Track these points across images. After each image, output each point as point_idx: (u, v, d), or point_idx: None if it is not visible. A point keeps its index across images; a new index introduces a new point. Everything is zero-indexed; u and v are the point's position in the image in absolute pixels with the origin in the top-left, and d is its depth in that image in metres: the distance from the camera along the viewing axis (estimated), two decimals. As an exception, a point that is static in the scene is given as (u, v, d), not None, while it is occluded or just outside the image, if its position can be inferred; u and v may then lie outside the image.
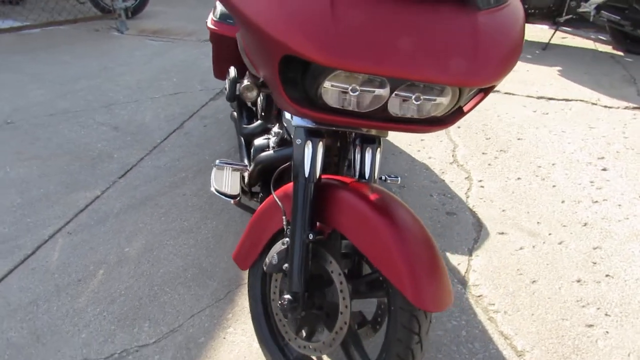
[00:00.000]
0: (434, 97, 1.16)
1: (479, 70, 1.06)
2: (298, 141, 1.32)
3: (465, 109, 1.27)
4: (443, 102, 1.18)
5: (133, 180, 2.50)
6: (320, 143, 1.32)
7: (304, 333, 1.43)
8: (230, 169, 1.79)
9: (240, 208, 1.85)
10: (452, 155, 2.73)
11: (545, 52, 4.48)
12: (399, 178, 1.87)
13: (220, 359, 1.60)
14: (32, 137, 2.89)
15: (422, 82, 1.08)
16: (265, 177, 1.83)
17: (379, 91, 1.12)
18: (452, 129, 3.03)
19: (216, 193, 1.81)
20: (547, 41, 4.59)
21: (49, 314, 1.75)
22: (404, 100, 1.16)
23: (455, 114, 1.28)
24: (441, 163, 2.66)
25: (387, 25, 1.05)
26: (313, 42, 1.01)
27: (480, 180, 2.52)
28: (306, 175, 1.32)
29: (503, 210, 2.30)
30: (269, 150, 1.86)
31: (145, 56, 4.27)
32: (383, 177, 1.89)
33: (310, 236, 1.31)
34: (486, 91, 1.23)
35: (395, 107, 1.17)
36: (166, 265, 1.96)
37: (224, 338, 1.67)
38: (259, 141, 1.88)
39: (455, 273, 1.94)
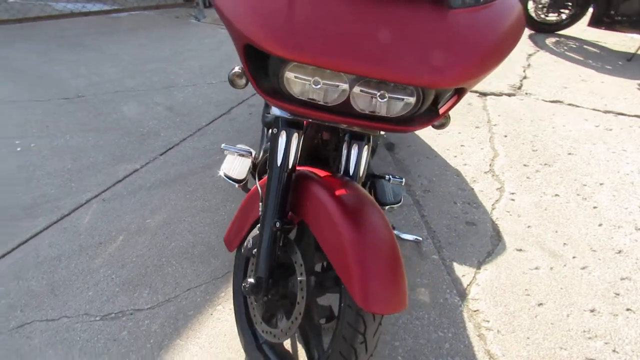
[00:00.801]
0: (400, 96, 1.14)
1: (436, 72, 1.03)
2: (274, 130, 1.34)
3: (440, 111, 1.23)
4: (411, 102, 1.16)
5: (171, 159, 2.65)
6: (296, 134, 1.33)
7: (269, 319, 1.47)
8: (236, 154, 1.86)
9: (245, 192, 1.91)
10: (490, 165, 2.61)
11: (629, 64, 4.11)
12: (404, 180, 1.84)
13: (202, 333, 1.67)
14: (96, 111, 3.15)
15: (374, 79, 1.07)
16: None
17: (341, 85, 1.12)
18: (498, 137, 2.89)
19: (223, 177, 1.88)
20: (633, 51, 4.20)
21: (67, 270, 1.93)
22: (372, 98, 1.15)
23: (429, 116, 1.24)
24: (475, 171, 2.56)
25: (346, 20, 1.04)
26: (266, 32, 1.04)
27: (513, 193, 2.39)
28: (278, 164, 1.34)
29: (528, 227, 2.17)
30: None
31: (213, 44, 4.48)
32: (387, 177, 1.87)
33: (278, 224, 1.34)
34: (459, 93, 1.18)
35: (361, 104, 1.17)
36: (178, 240, 2.08)
37: (212, 314, 1.75)
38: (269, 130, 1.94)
39: (457, 284, 1.88)
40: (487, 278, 1.90)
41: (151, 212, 2.24)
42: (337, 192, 1.31)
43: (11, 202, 2.29)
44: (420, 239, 2.06)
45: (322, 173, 1.42)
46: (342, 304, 1.26)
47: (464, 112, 3.11)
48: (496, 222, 2.20)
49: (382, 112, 1.20)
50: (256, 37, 1.05)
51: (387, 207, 1.89)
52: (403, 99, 1.16)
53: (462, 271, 1.93)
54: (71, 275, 1.90)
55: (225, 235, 1.61)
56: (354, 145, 1.46)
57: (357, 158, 1.47)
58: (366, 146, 1.47)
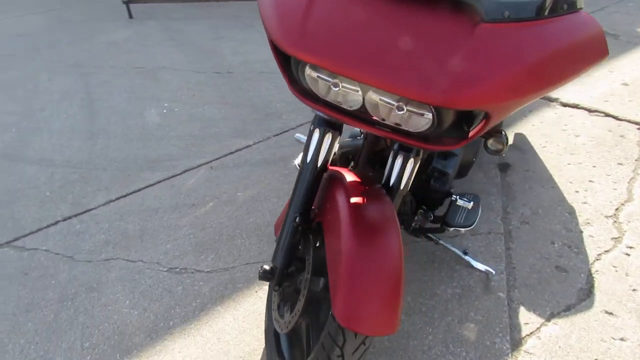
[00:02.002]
0: (419, 111, 1.06)
1: (439, 90, 0.94)
2: (311, 127, 1.35)
3: (470, 134, 1.11)
4: (430, 118, 1.07)
5: (282, 141, 2.80)
6: (330, 134, 1.32)
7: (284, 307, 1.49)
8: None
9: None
10: (616, 209, 2.23)
11: None
12: (472, 203, 1.69)
13: (242, 307, 1.77)
14: (237, 87, 3.46)
15: (375, 87, 1.01)
16: (343, 160, 1.88)
17: (354, 90, 1.09)
18: (642, 179, 2.44)
19: (297, 166, 1.94)
20: None
21: (159, 222, 2.19)
22: (390, 109, 1.10)
23: (457, 137, 1.13)
24: (594, 212, 2.21)
25: (359, 24, 1.01)
26: (280, 30, 1.06)
27: (631, 247, 2.01)
28: (307, 160, 1.35)
29: (633, 290, 1.82)
30: (359, 137, 1.91)
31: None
32: (454, 197, 1.74)
33: (298, 219, 1.36)
34: (487, 118, 1.05)
35: (377, 113, 1.12)
36: (257, 217, 2.21)
37: (256, 292, 1.84)
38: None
39: (514, 330, 1.67)
40: (553, 334, 1.66)
41: (244, 187, 2.41)
42: (357, 200, 1.28)
43: (141, 155, 2.67)
44: (493, 271, 1.87)
45: (357, 178, 1.38)
46: (330, 312, 1.23)
47: (610, 144, 2.68)
48: (594, 275, 1.88)
49: (404, 125, 1.13)
50: (273, 34, 1.07)
51: (454, 229, 1.77)
52: (423, 114, 1.08)
53: (526, 318, 1.72)
54: (160, 227, 2.16)
55: (276, 221, 1.68)
56: (400, 156, 1.39)
57: (400, 169, 1.40)
58: (412, 159, 1.39)
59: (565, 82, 1.16)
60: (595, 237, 2.07)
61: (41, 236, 2.12)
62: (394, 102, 1.06)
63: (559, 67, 1.06)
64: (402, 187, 1.41)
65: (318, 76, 1.11)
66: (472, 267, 1.90)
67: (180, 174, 2.52)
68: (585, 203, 2.27)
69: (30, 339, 1.66)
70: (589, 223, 2.14)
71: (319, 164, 1.35)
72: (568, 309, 1.75)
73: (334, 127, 1.33)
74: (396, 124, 1.14)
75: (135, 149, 2.72)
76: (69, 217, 2.22)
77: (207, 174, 2.52)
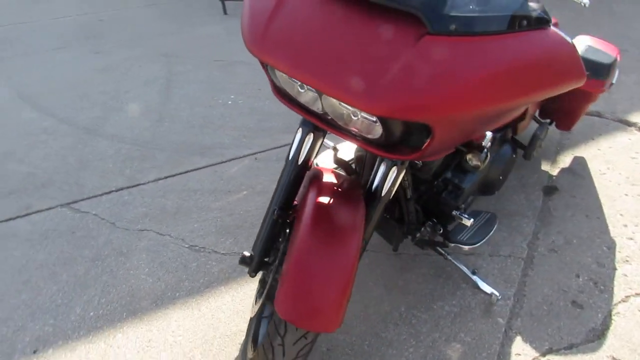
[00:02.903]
0: (370, 118, 1.09)
1: (364, 95, 0.96)
2: (298, 126, 1.41)
3: (424, 146, 1.11)
4: (379, 125, 1.09)
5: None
6: (312, 134, 1.37)
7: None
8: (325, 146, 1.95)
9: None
10: (665, 250, 2.01)
11: None
12: (471, 220, 1.65)
13: (242, 290, 1.88)
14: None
15: (322, 92, 1.05)
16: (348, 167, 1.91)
17: (313, 93, 1.14)
18: None
19: (315, 165, 2.01)
20: None
21: (194, 203, 2.37)
22: (349, 114, 1.13)
23: (412, 149, 1.13)
24: (638, 251, 2.01)
25: (315, 30, 1.06)
26: (247, 32, 1.14)
27: (668, 294, 1.82)
28: (289, 157, 1.41)
29: (654, 339, 1.65)
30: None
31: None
32: (455, 212, 1.70)
33: (276, 212, 1.43)
34: (432, 132, 1.04)
35: (336, 117, 1.15)
36: (282, 209, 2.30)
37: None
38: None
39: (502, 359, 1.60)
40: (544, 369, 1.56)
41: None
42: (325, 200, 1.32)
43: (197, 140, 2.88)
44: (499, 295, 1.80)
45: (336, 180, 1.42)
46: None
47: (685, 179, 2.41)
48: (613, 317, 1.73)
49: (362, 131, 1.16)
50: (242, 34, 1.15)
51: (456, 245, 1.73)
52: (374, 122, 1.10)
53: (520, 349, 1.63)
54: (193, 208, 2.33)
55: None
56: (383, 163, 1.41)
57: (382, 177, 1.42)
58: (396, 167, 1.39)
59: (531, 99, 1.11)
60: (629, 277, 1.89)
61: (95, 202, 2.39)
62: (350, 108, 1.09)
63: (515, 84, 1.03)
64: (383, 194, 1.42)
65: (289, 77, 1.17)
66: (478, 287, 1.84)
67: (226, 161, 2.69)
68: (630, 239, 2.08)
69: (60, 288, 1.90)
70: (627, 261, 1.97)
71: (300, 161, 1.41)
72: (570, 347, 1.64)
73: (317, 128, 1.38)
74: (356, 129, 1.17)
75: (193, 135, 2.94)
76: (121, 189, 2.48)
77: (250, 164, 2.66)
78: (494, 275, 1.92)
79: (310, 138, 1.39)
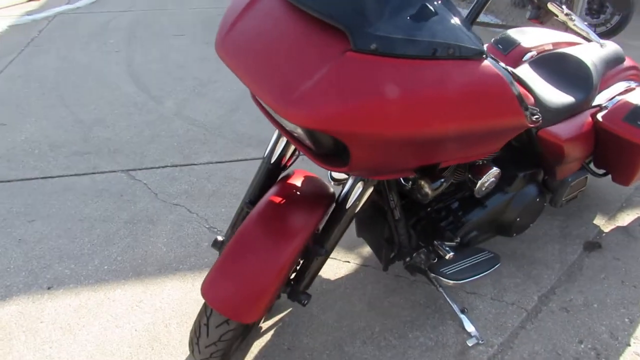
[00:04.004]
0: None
1: (284, 104, 1.01)
2: None
3: (349, 161, 1.12)
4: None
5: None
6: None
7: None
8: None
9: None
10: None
11: None
12: (452, 254, 1.59)
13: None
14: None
15: (256, 94, 1.11)
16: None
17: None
18: None
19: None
20: None
21: (230, 189, 2.53)
22: None
23: (341, 162, 1.15)
24: (666, 332, 1.77)
25: (262, 36, 1.13)
26: (216, 35, 1.23)
27: (682, 387, 1.58)
28: (264, 155, 1.49)
29: None
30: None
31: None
32: (437, 242, 1.65)
33: (245, 206, 1.52)
34: (350, 152, 1.05)
35: (283, 122, 1.21)
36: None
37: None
38: None
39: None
40: None
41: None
42: (280, 200, 1.38)
43: (257, 134, 3.05)
44: (481, 341, 1.70)
45: (304, 185, 1.47)
46: None
47: None
48: (602, 395, 1.55)
49: (301, 138, 1.20)
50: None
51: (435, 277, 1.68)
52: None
53: (480, 399, 1.54)
54: (227, 194, 2.50)
55: None
56: (351, 177, 1.43)
57: (349, 190, 1.43)
58: (361, 183, 1.41)
59: (455, 131, 1.07)
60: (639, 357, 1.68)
61: (149, 173, 2.66)
62: None
63: (433, 112, 1.00)
64: (348, 207, 1.44)
65: None
66: (463, 327, 1.76)
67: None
68: (664, 317, 1.83)
69: (91, 240, 2.17)
70: (648, 340, 1.74)
71: (273, 160, 1.48)
72: (536, 413, 1.50)
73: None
74: (297, 134, 1.21)
75: (257, 128, 3.12)
76: (175, 165, 2.73)
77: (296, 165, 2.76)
78: (487, 319, 1.81)
79: (284, 139, 1.45)
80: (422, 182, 1.29)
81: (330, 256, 2.05)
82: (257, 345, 1.70)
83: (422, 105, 0.99)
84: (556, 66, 1.99)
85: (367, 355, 1.68)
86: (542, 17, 1.37)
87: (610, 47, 2.13)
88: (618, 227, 2.29)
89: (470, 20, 1.28)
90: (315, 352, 1.68)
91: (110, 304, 1.86)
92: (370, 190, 1.43)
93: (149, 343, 1.70)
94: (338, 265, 2.05)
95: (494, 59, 1.13)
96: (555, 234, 2.24)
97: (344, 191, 1.46)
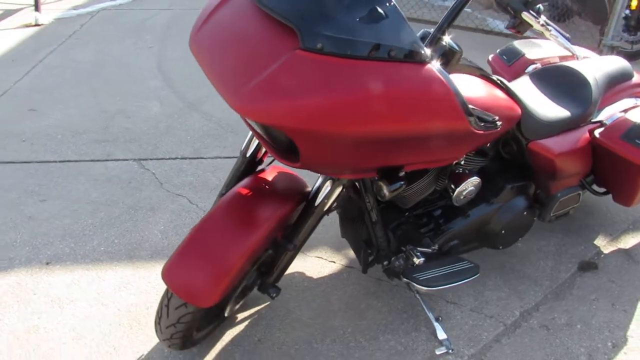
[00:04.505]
0: None
1: (235, 98, 1.06)
2: None
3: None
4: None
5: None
6: None
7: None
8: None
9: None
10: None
11: None
12: (421, 260, 1.60)
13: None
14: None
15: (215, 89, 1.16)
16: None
17: None
18: None
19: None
20: None
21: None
22: None
23: (292, 157, 1.19)
24: (649, 359, 1.70)
25: (224, 31, 1.18)
26: (190, 34, 1.29)
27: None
28: (241, 149, 1.55)
29: None
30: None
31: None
32: (409, 247, 1.65)
33: (222, 194, 1.58)
34: (298, 148, 1.09)
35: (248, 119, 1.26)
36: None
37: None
38: None
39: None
40: None
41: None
42: (249, 192, 1.43)
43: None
44: (452, 350, 1.70)
45: (278, 180, 1.51)
46: None
47: None
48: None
49: (263, 134, 1.24)
50: None
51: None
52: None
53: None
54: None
55: None
56: (320, 176, 1.46)
57: (317, 188, 1.47)
58: (329, 182, 1.44)
59: (395, 132, 1.08)
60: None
61: (159, 163, 2.77)
62: None
63: (376, 112, 1.02)
64: (316, 205, 1.47)
65: None
66: (436, 335, 1.75)
67: (282, 156, 2.87)
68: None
69: (94, 222, 2.28)
70: (627, 365, 1.69)
71: (249, 154, 1.53)
72: None
73: None
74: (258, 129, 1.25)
75: (268, 127, 3.19)
76: (185, 158, 2.83)
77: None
78: (463, 330, 1.80)
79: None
80: (380, 183, 1.31)
81: (317, 255, 2.11)
82: (230, 334, 1.75)
83: (361, 105, 1.01)
84: (556, 79, 1.95)
85: (334, 354, 1.70)
86: (518, 26, 1.37)
87: (618, 62, 2.08)
88: (619, 250, 2.22)
89: (445, 26, 1.29)
90: (284, 346, 1.72)
91: (100, 282, 1.95)
92: (339, 189, 1.46)
93: (129, 322, 1.77)
94: (323, 265, 2.08)
95: (437, 63, 1.12)
96: (551, 251, 2.19)
97: (313, 189, 1.50)
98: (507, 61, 2.20)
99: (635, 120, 1.85)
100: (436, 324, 1.76)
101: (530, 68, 2.12)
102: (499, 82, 1.70)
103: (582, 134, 1.89)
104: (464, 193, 1.63)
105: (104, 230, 2.23)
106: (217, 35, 1.19)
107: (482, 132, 1.22)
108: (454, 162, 1.63)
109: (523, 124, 1.73)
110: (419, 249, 1.67)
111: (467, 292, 1.95)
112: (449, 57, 1.38)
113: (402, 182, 1.31)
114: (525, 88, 1.91)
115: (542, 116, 1.76)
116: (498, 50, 2.29)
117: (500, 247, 1.94)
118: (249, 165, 1.58)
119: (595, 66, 2.00)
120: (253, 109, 1.03)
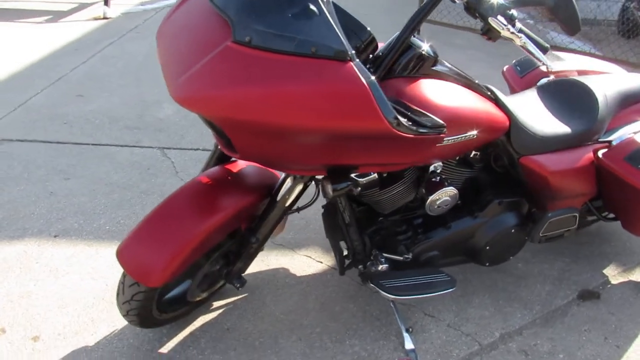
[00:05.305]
0: None
1: (171, 87, 1.11)
2: None
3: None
4: None
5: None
6: None
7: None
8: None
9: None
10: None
11: None
12: (385, 267, 1.59)
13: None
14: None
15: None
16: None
17: None
18: None
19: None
20: None
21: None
22: None
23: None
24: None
25: (178, 28, 1.25)
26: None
27: None
28: (214, 142, 1.60)
29: None
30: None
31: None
32: (376, 251, 1.64)
33: None
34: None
35: None
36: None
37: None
38: None
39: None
40: None
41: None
42: (209, 179, 1.48)
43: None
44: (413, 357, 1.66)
45: (254, 174, 1.55)
46: None
47: None
48: None
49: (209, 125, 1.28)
50: None
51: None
52: None
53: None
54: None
55: None
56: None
57: (279, 184, 1.49)
58: (290, 179, 1.46)
59: (314, 128, 1.08)
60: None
61: (180, 153, 2.89)
62: None
63: (294, 106, 1.03)
64: (278, 200, 1.50)
65: None
66: (403, 345, 1.72)
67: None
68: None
69: (106, 202, 2.43)
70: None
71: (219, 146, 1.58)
72: None
73: None
74: None
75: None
76: (206, 150, 2.93)
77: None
78: (434, 344, 1.75)
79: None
80: (324, 182, 1.31)
81: (306, 254, 2.13)
82: (201, 320, 1.80)
83: (276, 99, 1.03)
84: (563, 94, 1.86)
85: (296, 352, 1.70)
86: (487, 32, 1.32)
87: (637, 80, 1.93)
88: (630, 282, 2.06)
89: (411, 28, 1.28)
90: (250, 338, 1.75)
91: (97, 258, 2.08)
92: (300, 187, 1.47)
93: (111, 298, 1.87)
94: (310, 264, 2.09)
95: (360, 62, 1.10)
96: (552, 275, 2.07)
97: (277, 185, 1.52)
98: (519, 72, 2.11)
99: None
100: (405, 335, 1.73)
101: (543, 81, 2.02)
102: (488, 92, 1.64)
103: (585, 153, 1.77)
104: (437, 202, 1.58)
105: (113, 211, 2.37)
106: (172, 29, 1.24)
107: (403, 133, 1.17)
108: (431, 170, 1.59)
109: (513, 138, 1.66)
110: (385, 254, 1.65)
111: (449, 307, 1.89)
112: (419, 63, 1.37)
113: (349, 183, 1.30)
114: (525, 100, 1.83)
115: (537, 131, 1.68)
116: (514, 61, 2.20)
117: (487, 264, 1.86)
118: (223, 154, 1.62)
119: (609, 82, 1.87)
120: (184, 97, 1.08)
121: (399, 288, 1.63)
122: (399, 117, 1.16)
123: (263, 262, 2.08)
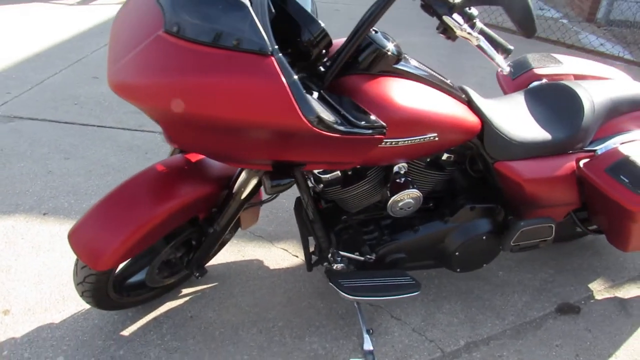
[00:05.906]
0: None
1: (108, 73, 1.12)
2: None
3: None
4: None
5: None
6: None
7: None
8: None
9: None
10: None
11: None
12: (340, 266, 1.57)
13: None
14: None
15: None
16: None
17: None
18: None
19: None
20: None
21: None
22: None
23: None
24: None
25: (123, 19, 1.24)
26: None
27: None
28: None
29: None
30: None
31: None
32: (333, 249, 1.62)
33: None
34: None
35: None
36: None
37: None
38: None
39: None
40: None
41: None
42: (164, 168, 1.49)
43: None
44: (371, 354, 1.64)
45: (204, 166, 1.55)
46: None
47: None
48: None
49: None
50: None
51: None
52: None
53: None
54: (231, 170, 2.65)
55: None
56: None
57: (235, 177, 1.49)
58: (244, 172, 1.45)
59: (231, 121, 1.08)
60: None
61: (180, 139, 2.92)
62: None
63: (213, 98, 1.03)
64: (234, 192, 1.50)
65: None
66: (362, 346, 1.70)
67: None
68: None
69: (99, 184, 2.49)
70: None
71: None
72: None
73: None
74: None
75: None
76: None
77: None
78: (395, 347, 1.72)
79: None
80: (264, 177, 1.30)
81: (283, 247, 2.13)
82: (167, 306, 1.83)
83: (197, 90, 1.03)
84: (549, 98, 1.78)
85: (253, 344, 1.71)
86: (444, 31, 1.27)
87: (634, 89, 1.83)
88: (615, 298, 1.97)
89: (367, 23, 1.25)
90: (211, 327, 1.76)
91: (80, 238, 2.13)
92: (255, 180, 1.47)
93: (86, 278, 1.92)
94: (284, 257, 2.09)
95: (283, 58, 1.07)
96: (533, 285, 2.00)
97: (234, 177, 1.52)
98: (512, 74, 2.03)
99: (626, 153, 1.63)
100: (365, 336, 1.70)
101: (535, 83, 1.93)
102: (462, 93, 1.59)
103: (566, 162, 1.69)
104: (399, 204, 1.55)
105: (104, 192, 2.40)
106: (121, 18, 1.25)
107: (321, 131, 1.14)
108: (395, 171, 1.56)
109: (487, 142, 1.61)
110: (342, 253, 1.63)
111: (417, 311, 1.86)
112: (378, 60, 1.34)
113: (290, 180, 1.28)
114: (507, 104, 1.76)
115: (513, 136, 1.61)
116: (508, 63, 2.11)
117: (458, 270, 1.81)
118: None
119: (601, 89, 1.78)
120: (115, 84, 1.09)
121: (358, 289, 1.61)
122: (325, 115, 1.14)
123: (239, 252, 2.09)
